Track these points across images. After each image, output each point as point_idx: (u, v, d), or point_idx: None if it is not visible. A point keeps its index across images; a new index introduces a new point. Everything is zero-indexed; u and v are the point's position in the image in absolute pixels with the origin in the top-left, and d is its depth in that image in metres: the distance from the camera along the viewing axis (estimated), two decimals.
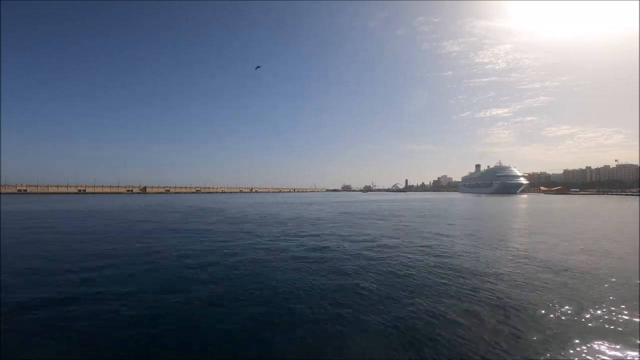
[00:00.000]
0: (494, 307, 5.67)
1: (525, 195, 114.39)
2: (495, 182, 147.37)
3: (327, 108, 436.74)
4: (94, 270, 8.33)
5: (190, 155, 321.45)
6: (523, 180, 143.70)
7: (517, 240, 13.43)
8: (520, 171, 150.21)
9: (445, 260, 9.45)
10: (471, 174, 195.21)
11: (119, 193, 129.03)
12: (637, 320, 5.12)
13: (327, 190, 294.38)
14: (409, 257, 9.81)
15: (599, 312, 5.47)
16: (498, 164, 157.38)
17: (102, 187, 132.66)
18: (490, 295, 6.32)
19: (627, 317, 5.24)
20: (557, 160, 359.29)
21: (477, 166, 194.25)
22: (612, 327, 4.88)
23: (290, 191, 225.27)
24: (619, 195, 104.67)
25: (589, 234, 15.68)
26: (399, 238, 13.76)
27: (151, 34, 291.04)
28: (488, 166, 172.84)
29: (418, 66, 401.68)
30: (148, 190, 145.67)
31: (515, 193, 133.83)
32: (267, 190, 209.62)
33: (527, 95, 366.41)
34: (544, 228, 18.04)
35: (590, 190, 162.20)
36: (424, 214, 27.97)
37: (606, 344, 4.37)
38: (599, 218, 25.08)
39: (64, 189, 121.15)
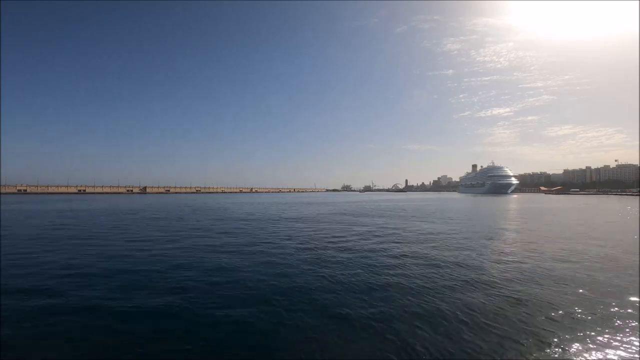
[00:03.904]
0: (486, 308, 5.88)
1: (515, 195, 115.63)
2: (487, 182, 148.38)
3: (326, 108, 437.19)
4: None
5: (190, 155, 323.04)
6: (514, 181, 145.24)
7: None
8: (512, 171, 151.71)
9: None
10: (468, 174, 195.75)
11: (119, 193, 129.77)
12: (637, 319, 5.28)
13: (327, 190, 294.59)
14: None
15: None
16: (491, 164, 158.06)
17: (102, 187, 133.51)
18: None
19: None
20: (558, 160, 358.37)
21: (474, 166, 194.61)
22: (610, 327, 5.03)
23: (290, 191, 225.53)
24: (619, 195, 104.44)
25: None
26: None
27: (151, 34, 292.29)
28: (481, 166, 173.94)
29: (418, 64, 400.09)
30: (148, 190, 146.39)
31: (506, 193, 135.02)
32: (267, 191, 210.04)
33: (529, 94, 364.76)
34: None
35: (590, 190, 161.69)
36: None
37: (604, 344, 4.50)
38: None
39: (64, 189, 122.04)
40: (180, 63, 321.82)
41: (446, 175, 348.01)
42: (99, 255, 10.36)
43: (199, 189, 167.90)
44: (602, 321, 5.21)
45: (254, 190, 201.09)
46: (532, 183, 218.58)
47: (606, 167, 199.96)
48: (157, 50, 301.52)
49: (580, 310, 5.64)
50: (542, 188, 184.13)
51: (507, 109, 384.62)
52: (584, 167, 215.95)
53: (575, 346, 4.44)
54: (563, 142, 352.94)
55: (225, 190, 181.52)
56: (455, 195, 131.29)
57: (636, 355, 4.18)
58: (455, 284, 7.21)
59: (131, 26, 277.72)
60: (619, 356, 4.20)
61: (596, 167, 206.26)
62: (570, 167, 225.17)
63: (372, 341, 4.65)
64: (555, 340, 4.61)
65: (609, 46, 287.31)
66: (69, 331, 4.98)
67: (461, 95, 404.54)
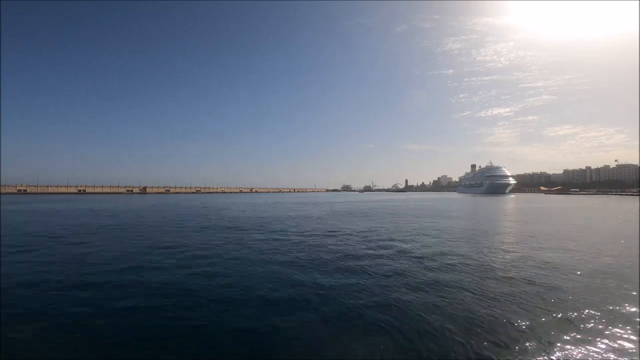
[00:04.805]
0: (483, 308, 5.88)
1: (513, 195, 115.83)
2: (485, 182, 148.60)
3: (326, 108, 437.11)
4: None
5: (190, 155, 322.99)
6: (511, 180, 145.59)
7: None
8: (511, 171, 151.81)
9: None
10: (467, 174, 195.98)
11: (119, 193, 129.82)
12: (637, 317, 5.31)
13: (327, 190, 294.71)
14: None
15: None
16: (489, 164, 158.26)
17: (102, 187, 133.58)
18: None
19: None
20: (558, 160, 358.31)
21: (473, 166, 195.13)
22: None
23: (290, 191, 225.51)
24: (619, 195, 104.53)
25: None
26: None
27: (151, 34, 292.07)
28: (480, 166, 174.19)
29: (418, 64, 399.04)
30: (148, 190, 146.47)
31: (504, 193, 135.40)
32: (267, 191, 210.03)
33: (529, 94, 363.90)
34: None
35: (590, 190, 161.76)
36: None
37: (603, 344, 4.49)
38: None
39: (64, 189, 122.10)
40: (180, 63, 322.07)
41: (446, 175, 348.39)
42: None
43: (199, 189, 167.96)
44: (602, 321, 5.24)
45: (253, 190, 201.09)
46: (532, 183, 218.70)
47: (606, 167, 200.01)
48: (157, 50, 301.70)
49: (580, 310, 5.68)
50: (542, 188, 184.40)
51: (507, 109, 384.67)
52: (584, 167, 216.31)
53: (576, 346, 4.44)
54: (563, 142, 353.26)
55: (225, 190, 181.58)
56: (454, 195, 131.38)
57: (636, 358, 4.19)
58: (452, 284, 7.27)
59: (131, 26, 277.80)
60: (619, 356, 4.21)
61: (596, 167, 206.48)
62: (570, 167, 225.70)
63: (371, 340, 4.69)
64: (555, 340, 4.61)
65: (609, 46, 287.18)
66: None
67: (461, 95, 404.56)
